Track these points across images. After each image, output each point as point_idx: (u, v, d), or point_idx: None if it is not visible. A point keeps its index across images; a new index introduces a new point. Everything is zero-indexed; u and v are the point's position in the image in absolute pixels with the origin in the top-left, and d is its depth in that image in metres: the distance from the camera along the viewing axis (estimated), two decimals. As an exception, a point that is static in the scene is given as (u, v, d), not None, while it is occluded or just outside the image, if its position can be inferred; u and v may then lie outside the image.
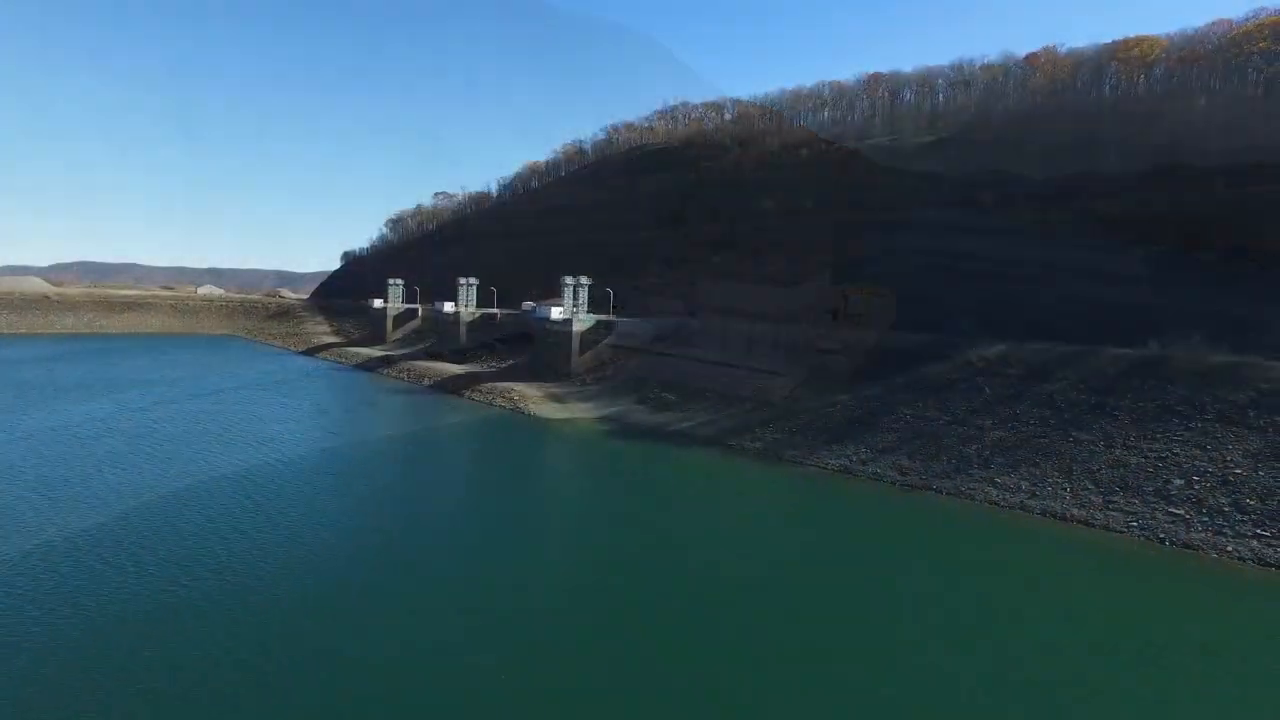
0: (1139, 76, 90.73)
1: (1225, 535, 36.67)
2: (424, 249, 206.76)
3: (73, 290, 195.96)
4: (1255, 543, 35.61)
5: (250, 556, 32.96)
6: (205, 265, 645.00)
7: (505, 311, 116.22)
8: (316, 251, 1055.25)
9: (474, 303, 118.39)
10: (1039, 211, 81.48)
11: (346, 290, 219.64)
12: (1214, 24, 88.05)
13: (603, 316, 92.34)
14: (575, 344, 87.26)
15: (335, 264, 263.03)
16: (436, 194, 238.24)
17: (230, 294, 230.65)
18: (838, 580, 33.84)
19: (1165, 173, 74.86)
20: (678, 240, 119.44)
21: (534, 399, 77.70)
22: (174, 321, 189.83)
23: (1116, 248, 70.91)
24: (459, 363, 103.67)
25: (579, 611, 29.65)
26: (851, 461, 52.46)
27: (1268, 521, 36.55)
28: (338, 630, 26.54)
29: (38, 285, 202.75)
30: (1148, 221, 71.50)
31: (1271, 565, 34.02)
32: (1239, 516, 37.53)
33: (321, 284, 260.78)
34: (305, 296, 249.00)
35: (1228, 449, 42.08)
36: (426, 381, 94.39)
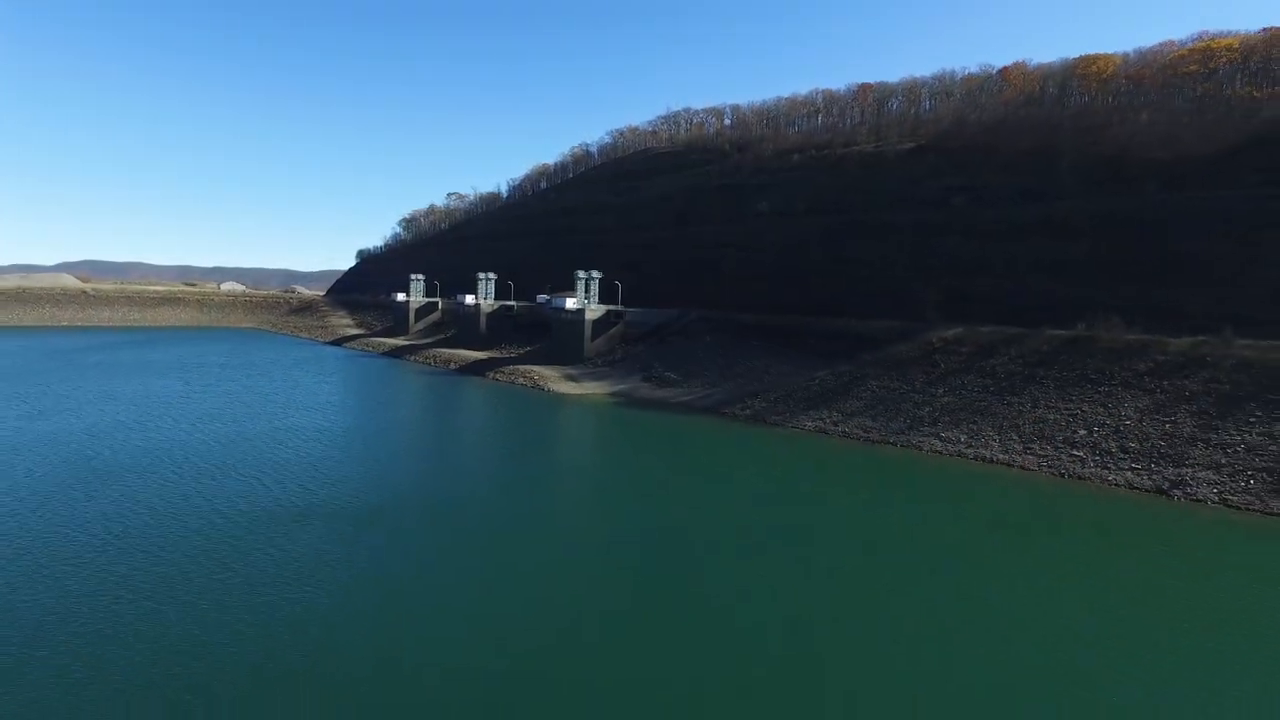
0: (1096, 91, 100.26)
1: (1109, 469, 46.58)
2: (439, 246, 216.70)
3: (106, 286, 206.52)
4: (1129, 473, 45.53)
5: (320, 493, 43.07)
6: (211, 264, 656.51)
7: (521, 304, 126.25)
8: (321, 249, 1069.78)
9: (492, 295, 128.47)
10: (1004, 213, 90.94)
11: (363, 286, 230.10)
12: (1162, 45, 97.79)
13: (612, 307, 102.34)
14: (588, 331, 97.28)
15: (339, 262, 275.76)
16: (449, 194, 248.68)
17: (252, 290, 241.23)
18: (804, 504, 43.71)
19: (1110, 178, 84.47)
20: (681, 239, 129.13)
21: (552, 378, 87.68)
22: (201, 316, 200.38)
23: (1066, 245, 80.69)
24: (480, 349, 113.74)
25: (588, 540, 39.65)
26: (825, 423, 62.40)
27: (1141, 458, 46.46)
28: (389, 567, 36.30)
29: (71, 282, 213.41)
30: (1093, 221, 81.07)
31: (1136, 488, 43.93)
32: (1121, 455, 47.42)
33: (338, 280, 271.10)
34: (317, 293, 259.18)
35: (1124, 407, 51.96)
36: (453, 366, 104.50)
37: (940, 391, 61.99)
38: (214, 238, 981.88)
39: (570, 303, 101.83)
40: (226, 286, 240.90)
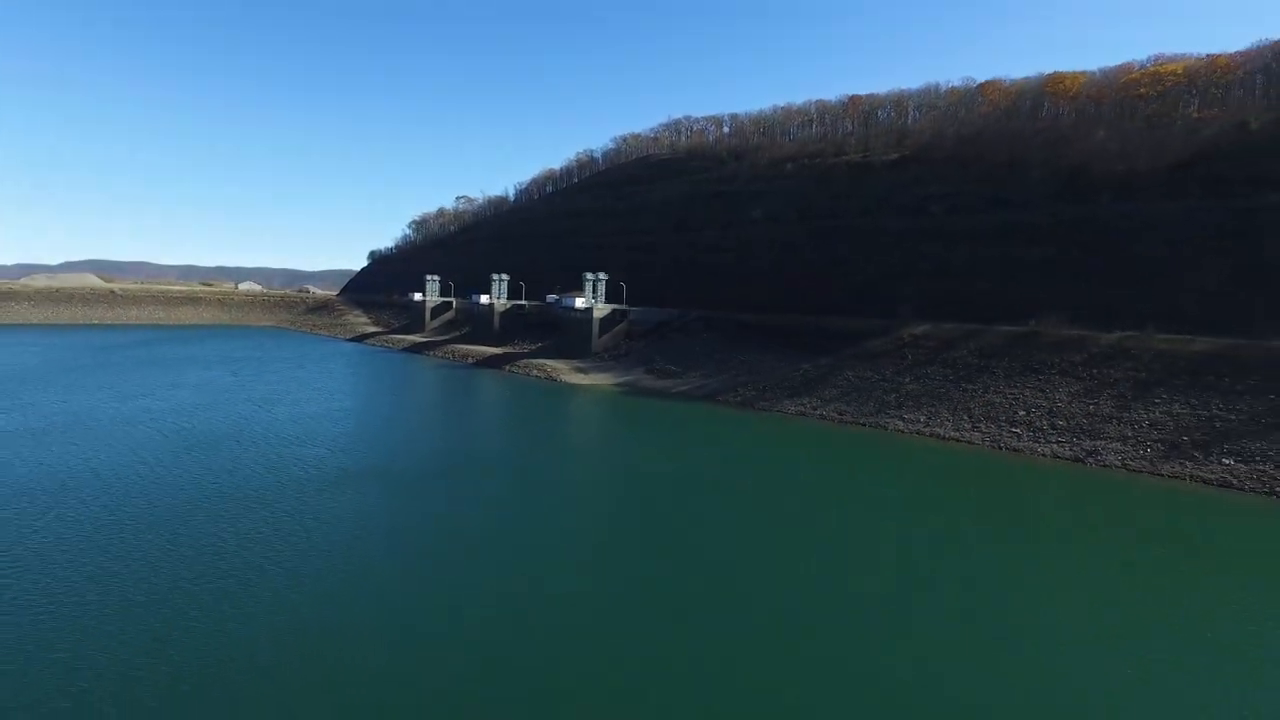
0: (1063, 108, 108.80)
1: (1040, 442, 55.32)
2: (448, 248, 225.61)
3: (132, 286, 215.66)
4: (1055, 445, 54.29)
5: (381, 460, 51.93)
6: (215, 263, 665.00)
7: (532, 303, 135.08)
8: (324, 250, 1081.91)
9: (505, 295, 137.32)
10: (977, 220, 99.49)
11: (375, 286, 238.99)
12: (1123, 66, 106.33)
13: (618, 306, 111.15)
14: (595, 328, 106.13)
15: (343, 261, 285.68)
16: (458, 197, 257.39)
17: (270, 290, 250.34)
18: (782, 471, 52.51)
19: (1072, 189, 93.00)
20: (681, 243, 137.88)
21: (563, 371, 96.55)
22: (222, 314, 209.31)
23: (1031, 250, 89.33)
24: (495, 345, 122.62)
25: (599, 495, 48.52)
26: (806, 408, 71.20)
27: (1066, 433, 55.22)
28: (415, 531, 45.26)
29: (95, 281, 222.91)
30: (1055, 228, 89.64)
31: (1059, 457, 52.68)
32: (1051, 431, 56.18)
33: (351, 280, 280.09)
34: (330, 293, 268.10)
35: (1058, 391, 60.71)
36: (470, 360, 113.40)
37: (907, 380, 70.77)
38: (216, 237, 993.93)
39: (579, 302, 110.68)
40: (244, 286, 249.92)
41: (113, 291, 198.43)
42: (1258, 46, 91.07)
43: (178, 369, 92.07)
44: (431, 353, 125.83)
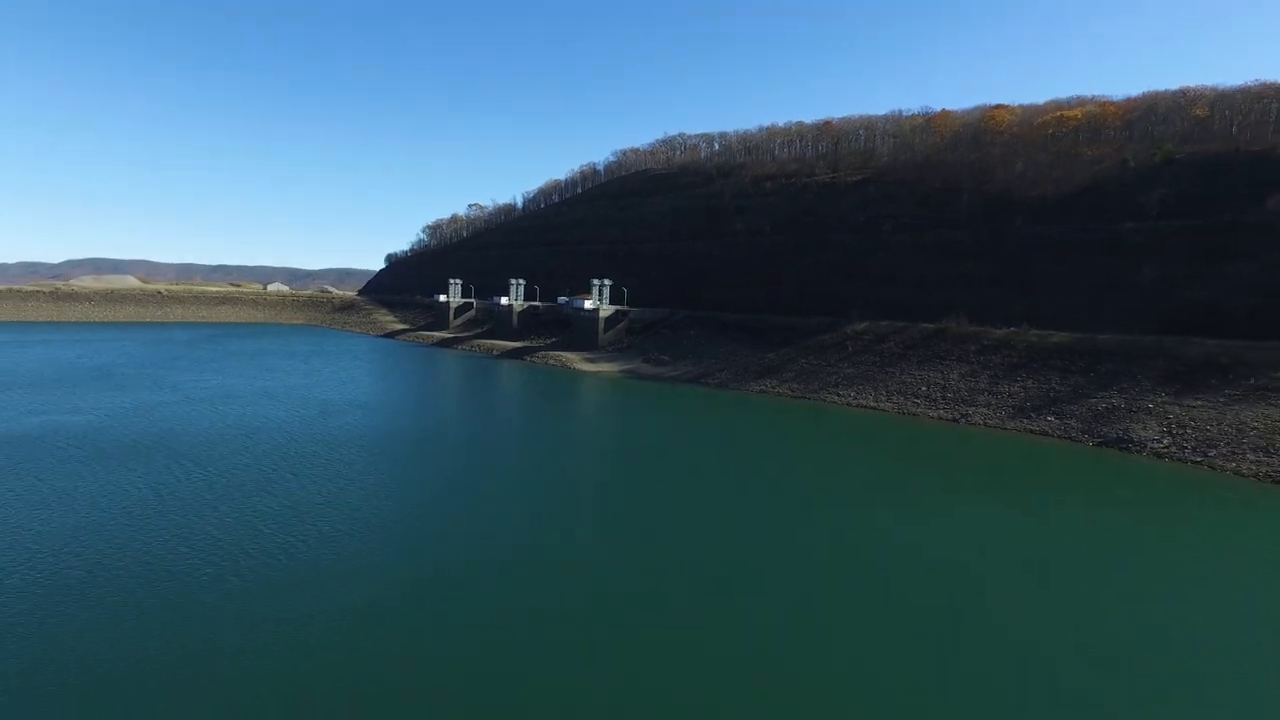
0: (994, 139, 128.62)
1: (931, 409, 75.38)
2: (462, 252, 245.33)
3: (175, 288, 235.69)
4: (941, 411, 74.38)
5: (440, 425, 71.94)
6: (215, 262, 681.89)
7: (545, 304, 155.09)
8: (322, 249, 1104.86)
9: (522, 297, 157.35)
10: (917, 237, 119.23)
11: (395, 287, 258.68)
12: (1049, 103, 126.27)
13: (620, 307, 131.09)
14: (601, 326, 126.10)
15: (340, 260, 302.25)
16: (470, 205, 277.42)
17: (297, 290, 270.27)
18: (748, 430, 72.45)
19: (994, 213, 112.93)
20: (674, 251, 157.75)
21: (575, 360, 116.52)
22: (257, 313, 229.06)
23: (956, 263, 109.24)
24: (514, 340, 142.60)
25: (604, 455, 68.61)
26: (767, 387, 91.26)
27: (951, 402, 75.27)
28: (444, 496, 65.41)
29: (133, 282, 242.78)
30: (977, 246, 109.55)
31: (942, 419, 72.73)
32: (941, 401, 76.24)
33: (370, 281, 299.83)
34: (349, 293, 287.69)
35: (952, 372, 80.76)
36: (495, 353, 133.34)
37: (845, 366, 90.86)
38: (215, 237, 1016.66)
39: (587, 303, 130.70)
40: (272, 287, 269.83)
41: (159, 292, 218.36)
42: (1141, 95, 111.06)
43: (258, 359, 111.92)
44: (459, 347, 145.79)
